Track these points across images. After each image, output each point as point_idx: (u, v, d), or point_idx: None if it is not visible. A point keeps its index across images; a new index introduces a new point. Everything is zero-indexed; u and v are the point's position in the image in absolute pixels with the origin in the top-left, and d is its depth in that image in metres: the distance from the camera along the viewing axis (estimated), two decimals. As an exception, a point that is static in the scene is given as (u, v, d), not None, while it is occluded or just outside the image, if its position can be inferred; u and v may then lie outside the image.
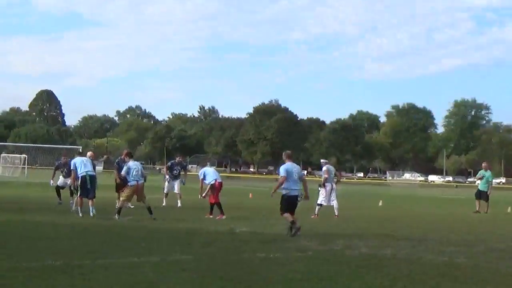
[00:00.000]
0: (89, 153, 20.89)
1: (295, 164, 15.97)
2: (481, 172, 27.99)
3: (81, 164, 18.59)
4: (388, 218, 22.21)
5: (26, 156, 64.40)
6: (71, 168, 18.97)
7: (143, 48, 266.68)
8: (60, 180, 22.99)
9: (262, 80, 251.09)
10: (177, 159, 25.98)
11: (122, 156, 20.68)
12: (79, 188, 18.32)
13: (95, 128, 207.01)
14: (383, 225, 19.00)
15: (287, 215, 15.25)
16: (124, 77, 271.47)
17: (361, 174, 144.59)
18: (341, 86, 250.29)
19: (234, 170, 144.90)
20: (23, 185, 39.93)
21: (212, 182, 20.17)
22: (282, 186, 15.36)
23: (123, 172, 18.75)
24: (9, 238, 12.76)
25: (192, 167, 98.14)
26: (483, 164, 29.09)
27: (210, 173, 20.68)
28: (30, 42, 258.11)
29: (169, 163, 26.28)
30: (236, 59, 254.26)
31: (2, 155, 70.05)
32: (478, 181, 28.30)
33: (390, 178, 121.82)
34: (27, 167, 63.10)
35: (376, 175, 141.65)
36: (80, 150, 20.61)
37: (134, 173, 18.47)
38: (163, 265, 10.08)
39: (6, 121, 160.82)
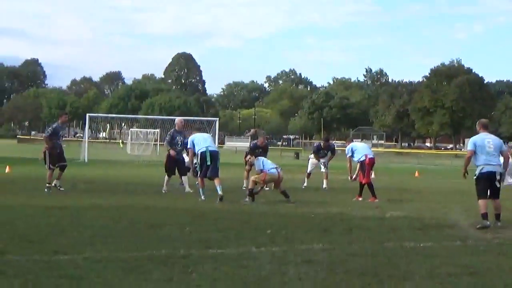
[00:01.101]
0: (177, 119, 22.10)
1: (490, 135, 14.78)
2: None
3: (200, 140, 18.81)
4: None
5: (159, 130, 64.75)
6: (188, 146, 19.24)
7: (298, 1, 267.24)
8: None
9: (441, 37, 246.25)
10: (323, 143, 25.68)
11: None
12: (198, 167, 18.49)
13: (241, 97, 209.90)
14: None
15: (481, 202, 13.99)
16: (276, 36, 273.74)
17: None
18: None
19: (406, 145, 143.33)
20: (151, 164, 40.65)
21: (362, 159, 20.01)
22: (475, 163, 14.36)
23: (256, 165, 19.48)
24: (113, 225, 13.03)
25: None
26: None
27: (359, 149, 20.58)
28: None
29: (315, 146, 26.38)
30: (409, 12, 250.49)
31: (132, 129, 71.19)
32: None
33: None
34: (160, 144, 63.10)
35: None
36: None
37: (270, 162, 19.34)
38: (285, 256, 10.05)
39: (138, 90, 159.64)
